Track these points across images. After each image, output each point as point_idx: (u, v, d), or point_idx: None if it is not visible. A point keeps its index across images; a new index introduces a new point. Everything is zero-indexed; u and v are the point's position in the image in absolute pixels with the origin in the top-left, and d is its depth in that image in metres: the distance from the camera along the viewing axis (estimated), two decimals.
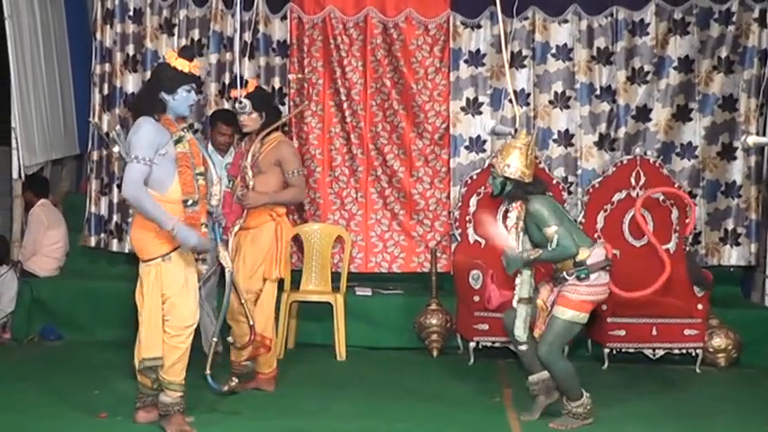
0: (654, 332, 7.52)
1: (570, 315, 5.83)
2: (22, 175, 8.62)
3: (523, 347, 6.02)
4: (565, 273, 5.84)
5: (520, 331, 5.96)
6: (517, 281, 6.04)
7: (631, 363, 7.64)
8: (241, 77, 8.31)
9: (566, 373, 5.90)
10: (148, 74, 8.52)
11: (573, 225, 6.06)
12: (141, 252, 5.58)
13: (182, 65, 5.52)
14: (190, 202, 5.52)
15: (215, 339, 6.14)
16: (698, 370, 7.55)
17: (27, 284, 8.49)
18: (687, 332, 7.52)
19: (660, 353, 7.57)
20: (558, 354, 5.89)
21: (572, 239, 5.78)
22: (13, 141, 8.54)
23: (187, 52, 5.66)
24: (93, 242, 8.91)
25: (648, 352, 7.58)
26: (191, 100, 5.61)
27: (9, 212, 9.10)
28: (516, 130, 7.61)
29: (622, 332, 7.52)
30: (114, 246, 8.82)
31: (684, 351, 7.58)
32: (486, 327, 7.52)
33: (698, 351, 7.56)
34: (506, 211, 6.04)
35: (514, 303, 6.03)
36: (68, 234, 9.12)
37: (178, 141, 5.53)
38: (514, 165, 5.87)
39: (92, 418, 5.86)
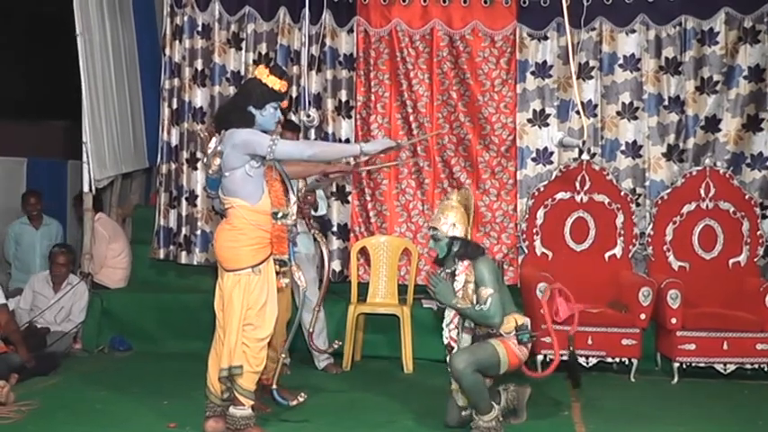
0: (725, 346, 7.42)
1: (503, 353, 5.78)
2: (93, 189, 8.80)
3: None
4: (502, 332, 5.83)
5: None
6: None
7: (702, 377, 7.54)
8: (308, 91, 8.47)
9: (476, 385, 5.75)
10: (216, 88, 8.76)
11: (507, 294, 6.03)
12: (229, 261, 5.62)
13: (272, 82, 5.64)
14: (280, 215, 5.68)
15: (283, 354, 6.18)
16: None
17: (97, 296, 8.65)
18: (759, 346, 7.40)
19: (731, 367, 7.45)
20: (471, 370, 5.70)
21: (501, 311, 5.75)
22: (84, 156, 8.71)
23: (278, 70, 5.75)
24: (162, 254, 9.06)
25: (720, 367, 7.47)
26: (276, 117, 5.74)
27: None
28: (584, 142, 7.63)
29: (692, 346, 7.44)
30: (183, 258, 8.95)
31: (756, 366, 7.46)
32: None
33: None
34: (448, 275, 5.95)
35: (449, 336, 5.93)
36: (132, 245, 9.35)
37: None
38: (459, 223, 5.90)
39: (161, 428, 5.91)
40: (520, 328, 5.85)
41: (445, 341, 5.93)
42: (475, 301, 5.82)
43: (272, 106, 5.66)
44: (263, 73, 5.68)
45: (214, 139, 5.71)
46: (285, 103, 6.06)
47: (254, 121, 5.62)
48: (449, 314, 5.92)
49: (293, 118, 8.41)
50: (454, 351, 5.83)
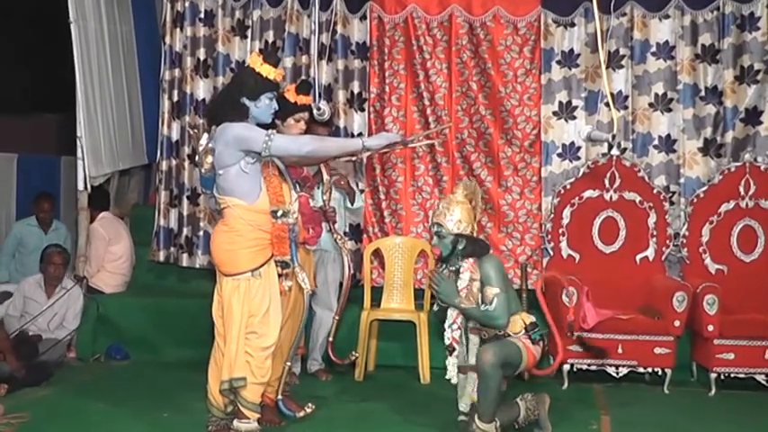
0: (767, 356, 7.35)
1: (525, 352, 5.83)
2: (88, 187, 8.79)
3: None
4: (509, 332, 5.86)
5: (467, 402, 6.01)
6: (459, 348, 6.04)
7: (741, 389, 7.46)
8: (318, 82, 8.45)
9: (497, 384, 5.74)
10: (220, 79, 8.76)
11: (514, 294, 6.08)
12: (226, 265, 5.60)
13: (267, 71, 5.63)
14: (279, 213, 5.64)
15: (288, 363, 6.13)
16: None
17: (93, 301, 8.63)
18: None
19: None
20: (500, 364, 5.72)
21: (507, 312, 5.79)
22: (79, 151, 8.69)
23: (272, 58, 5.75)
24: (161, 257, 9.06)
25: (761, 378, 7.41)
26: (272, 108, 5.71)
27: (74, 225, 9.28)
28: (614, 136, 7.59)
29: (731, 355, 7.37)
30: (184, 260, 8.95)
31: None
32: (581, 348, 7.43)
33: None
34: (451, 272, 5.98)
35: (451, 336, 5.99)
36: (134, 248, 9.29)
37: None
38: (465, 220, 5.91)
39: None
40: (531, 326, 5.90)
41: (447, 341, 5.97)
42: (480, 301, 5.84)
43: (268, 97, 5.65)
44: (256, 61, 5.68)
45: (205, 135, 5.70)
46: (307, 99, 6.16)
47: (248, 114, 5.62)
48: (451, 314, 5.95)
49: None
50: (481, 347, 5.84)
